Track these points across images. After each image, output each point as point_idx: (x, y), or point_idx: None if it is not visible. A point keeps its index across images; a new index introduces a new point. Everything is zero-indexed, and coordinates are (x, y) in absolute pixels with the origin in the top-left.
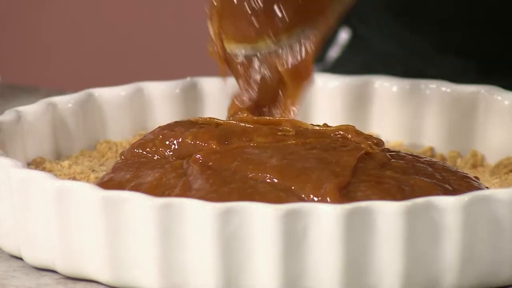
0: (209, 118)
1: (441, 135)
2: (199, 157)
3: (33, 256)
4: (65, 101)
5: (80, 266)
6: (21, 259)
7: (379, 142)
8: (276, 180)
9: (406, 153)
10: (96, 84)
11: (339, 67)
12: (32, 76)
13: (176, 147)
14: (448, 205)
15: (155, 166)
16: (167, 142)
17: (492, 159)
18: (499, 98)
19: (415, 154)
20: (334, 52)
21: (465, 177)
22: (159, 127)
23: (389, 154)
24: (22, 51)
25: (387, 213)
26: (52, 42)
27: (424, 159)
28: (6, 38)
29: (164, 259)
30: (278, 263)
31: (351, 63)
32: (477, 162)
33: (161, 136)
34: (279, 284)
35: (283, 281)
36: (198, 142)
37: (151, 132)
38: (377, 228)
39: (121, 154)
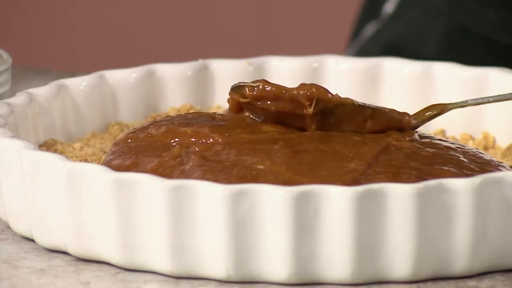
0: (211, 113)
1: (452, 117)
2: (198, 150)
3: (44, 238)
4: (76, 83)
5: (92, 248)
6: (32, 240)
7: (409, 134)
8: (283, 174)
9: (441, 139)
10: (108, 66)
11: (393, 22)
12: (43, 58)
13: (176, 139)
14: (460, 187)
15: (153, 153)
16: (165, 134)
17: (503, 141)
18: (509, 80)
19: (450, 140)
20: (389, 8)
21: (499, 166)
22: (154, 120)
23: (421, 142)
24: (33, 33)
25: (399, 195)
26: (63, 24)
27: (458, 146)
28: (18, 20)
29: (175, 241)
30: (289, 245)
31: (401, 20)
32: (489, 144)
33: (157, 127)
34: (290, 265)
35: (294, 262)
36: (199, 137)
37: (147, 124)
38: (388, 210)
39: (115, 143)
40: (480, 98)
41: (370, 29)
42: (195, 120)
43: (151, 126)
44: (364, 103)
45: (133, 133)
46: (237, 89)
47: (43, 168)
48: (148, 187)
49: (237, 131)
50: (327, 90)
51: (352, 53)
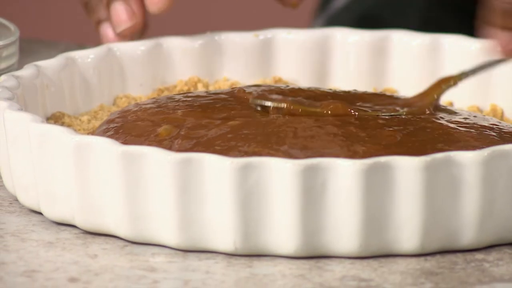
0: (202, 92)
1: (460, 89)
2: (185, 133)
3: (52, 211)
4: (84, 56)
5: (99, 221)
6: (40, 213)
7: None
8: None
9: (476, 116)
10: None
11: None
12: (51, 30)
13: (163, 123)
14: (468, 160)
15: (141, 135)
16: (152, 117)
17: (511, 114)
18: None
19: (488, 117)
20: None
21: None
22: (137, 103)
23: (456, 122)
24: (41, 5)
25: (406, 168)
26: None
27: (493, 123)
28: None
29: (183, 214)
30: (296, 218)
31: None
32: (497, 116)
33: (143, 110)
34: (298, 238)
35: (302, 235)
36: (188, 120)
37: (131, 107)
38: (396, 183)
39: (101, 124)
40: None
41: (341, 0)
42: (183, 103)
43: (137, 109)
44: (386, 107)
45: (118, 117)
46: (260, 106)
47: (50, 141)
48: (156, 160)
49: (232, 113)
50: (350, 107)
51: (318, 25)
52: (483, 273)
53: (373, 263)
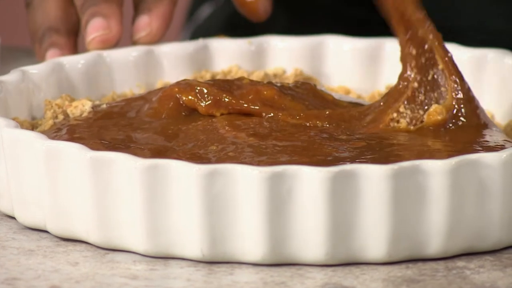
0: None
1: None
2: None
3: (25, 217)
4: (74, 61)
5: (70, 227)
6: None
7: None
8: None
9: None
10: None
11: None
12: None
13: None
14: (435, 168)
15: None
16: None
17: (502, 119)
18: (507, 60)
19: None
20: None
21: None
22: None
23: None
24: (22, 13)
25: (373, 177)
26: None
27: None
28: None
29: (150, 220)
30: (262, 225)
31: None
32: None
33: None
34: (264, 246)
35: (268, 243)
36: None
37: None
38: (362, 192)
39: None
40: None
41: (206, 10)
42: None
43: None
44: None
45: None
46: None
47: (22, 146)
48: (123, 166)
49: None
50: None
51: (186, 35)
52: (465, 281)
53: (355, 270)
